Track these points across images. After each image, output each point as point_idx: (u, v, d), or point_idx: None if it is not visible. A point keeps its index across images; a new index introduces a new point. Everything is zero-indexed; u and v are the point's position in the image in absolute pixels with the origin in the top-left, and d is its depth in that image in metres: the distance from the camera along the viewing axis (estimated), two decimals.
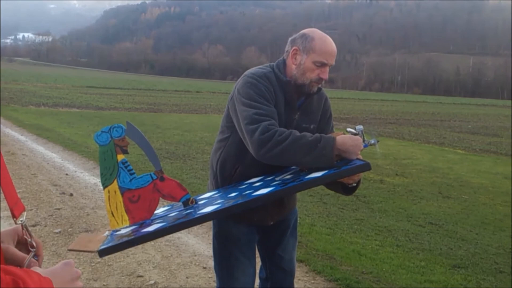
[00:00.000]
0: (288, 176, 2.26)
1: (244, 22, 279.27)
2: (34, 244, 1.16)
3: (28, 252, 1.16)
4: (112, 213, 2.05)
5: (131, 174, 2.04)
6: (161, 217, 2.08)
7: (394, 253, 5.19)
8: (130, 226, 2.04)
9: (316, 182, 2.12)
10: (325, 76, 2.42)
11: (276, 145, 2.17)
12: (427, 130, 22.59)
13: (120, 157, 2.02)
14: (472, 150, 15.92)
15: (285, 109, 2.45)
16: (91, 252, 1.81)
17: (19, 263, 1.14)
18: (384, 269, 4.69)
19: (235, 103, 2.41)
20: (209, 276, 4.36)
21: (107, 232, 2.02)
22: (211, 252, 4.66)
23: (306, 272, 4.57)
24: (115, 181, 2.03)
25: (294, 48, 2.45)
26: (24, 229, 1.15)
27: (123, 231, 1.98)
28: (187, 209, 2.08)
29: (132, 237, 1.86)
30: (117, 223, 2.05)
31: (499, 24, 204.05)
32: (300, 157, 2.17)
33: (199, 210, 2.02)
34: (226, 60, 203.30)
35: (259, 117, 2.25)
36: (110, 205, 2.04)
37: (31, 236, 1.16)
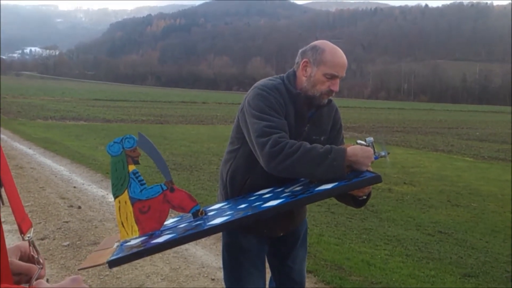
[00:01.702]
0: (298, 188, 2.25)
1: (249, 33, 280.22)
2: (41, 261, 1.15)
3: None
4: (122, 224, 2.05)
5: (141, 185, 2.04)
6: (171, 228, 2.08)
7: (403, 263, 5.16)
8: (139, 237, 2.03)
9: (326, 194, 2.11)
10: (336, 88, 2.41)
11: (286, 157, 2.17)
12: (434, 138, 22.51)
13: (131, 167, 2.02)
14: (480, 157, 15.85)
15: (295, 121, 2.45)
16: (101, 265, 1.81)
17: (25, 273, 1.13)
18: (393, 279, 4.66)
19: (245, 114, 2.40)
20: None
21: (116, 243, 2.02)
22: (219, 264, 4.64)
23: (315, 283, 4.55)
24: (126, 192, 2.03)
25: (304, 60, 2.45)
26: (31, 245, 1.14)
27: (132, 242, 1.97)
28: (196, 220, 2.07)
29: (142, 248, 1.85)
30: (127, 233, 2.05)
31: (505, 30, 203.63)
32: (311, 169, 2.16)
33: (208, 222, 2.02)
34: (232, 71, 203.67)
35: (270, 130, 2.25)
36: (120, 216, 2.05)
37: (38, 253, 1.16)
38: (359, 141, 2.28)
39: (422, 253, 5.51)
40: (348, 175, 2.17)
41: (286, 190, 2.26)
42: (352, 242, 5.80)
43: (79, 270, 1.92)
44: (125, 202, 2.04)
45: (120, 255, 1.82)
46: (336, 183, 2.11)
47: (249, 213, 2.01)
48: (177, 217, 2.32)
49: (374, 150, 2.24)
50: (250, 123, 2.34)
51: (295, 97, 2.44)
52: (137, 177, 2.03)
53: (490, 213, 7.72)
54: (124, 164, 2.01)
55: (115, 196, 2.04)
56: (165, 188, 2.06)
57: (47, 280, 1.13)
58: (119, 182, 2.03)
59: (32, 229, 1.12)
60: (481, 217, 7.41)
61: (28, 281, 1.10)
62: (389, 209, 7.60)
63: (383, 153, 2.27)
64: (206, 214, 2.14)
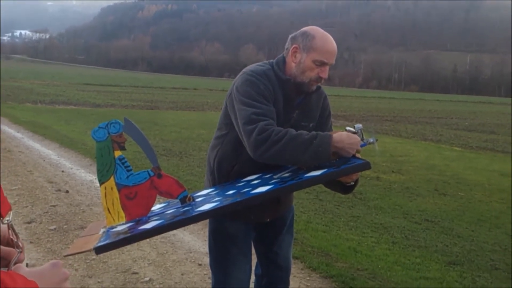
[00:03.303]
0: (287, 174, 2.24)
1: (241, 20, 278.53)
2: (20, 244, 1.14)
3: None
4: (108, 210, 2.04)
5: (128, 171, 2.03)
6: (158, 214, 2.07)
7: (389, 250, 5.20)
8: (126, 223, 2.03)
9: (315, 180, 2.12)
10: (325, 75, 2.41)
11: (272, 144, 2.17)
12: (424, 127, 22.61)
13: (117, 153, 2.01)
14: (468, 147, 15.95)
15: (283, 108, 2.44)
16: (88, 251, 1.80)
17: (4, 258, 1.12)
18: (379, 266, 4.70)
19: (233, 100, 2.39)
20: (204, 273, 4.36)
21: (102, 229, 2.01)
22: (206, 249, 4.64)
23: (302, 269, 4.57)
24: (112, 178, 2.02)
25: (294, 46, 2.43)
26: (10, 228, 1.13)
27: (119, 228, 1.96)
28: (184, 207, 2.07)
29: (129, 234, 1.85)
30: (114, 219, 2.04)
31: (497, 22, 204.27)
32: (296, 156, 2.17)
33: (196, 208, 2.01)
34: (224, 58, 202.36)
35: (257, 117, 2.24)
36: (106, 202, 2.04)
37: (17, 237, 1.15)
38: (348, 128, 2.29)
39: (409, 241, 5.55)
40: (337, 161, 2.17)
41: (275, 177, 2.26)
42: (340, 229, 5.83)
43: (65, 256, 1.90)
44: (111, 188, 2.03)
45: (107, 241, 1.81)
46: (325, 170, 2.12)
47: (238, 199, 2.00)
48: (164, 202, 2.31)
49: (362, 136, 2.25)
50: (238, 110, 2.33)
51: (284, 83, 2.43)
52: (123, 163, 2.02)
53: (476, 203, 7.78)
54: (109, 149, 2.00)
55: (101, 182, 2.03)
56: (152, 174, 2.06)
57: (27, 265, 1.12)
58: (104, 168, 2.02)
59: (11, 212, 1.11)
60: (468, 206, 7.47)
61: (7, 265, 1.10)
62: (377, 197, 7.64)
63: (371, 140, 2.28)
64: (193, 200, 2.14)
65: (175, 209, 2.08)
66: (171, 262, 4.59)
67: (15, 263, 1.11)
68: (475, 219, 6.72)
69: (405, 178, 9.51)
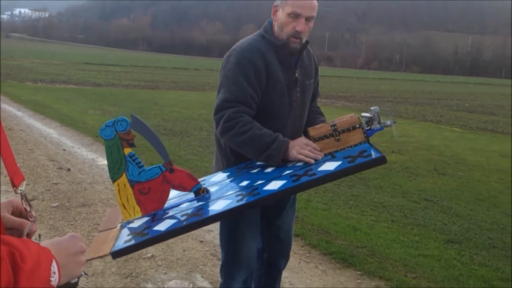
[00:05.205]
0: (300, 164, 2.25)
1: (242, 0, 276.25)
2: (33, 214, 1.16)
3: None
4: (123, 206, 2.05)
5: (139, 167, 2.04)
6: (173, 207, 2.09)
7: (389, 228, 5.25)
8: (142, 217, 2.05)
9: (330, 177, 2.11)
10: (300, 27, 2.36)
11: (236, 135, 2.30)
12: (424, 108, 22.58)
13: (127, 150, 2.01)
14: (468, 128, 15.98)
15: (282, 72, 2.45)
16: (105, 256, 1.82)
17: (17, 228, 1.14)
18: (378, 244, 4.75)
19: (220, 73, 2.51)
20: (206, 249, 4.41)
21: (119, 224, 2.04)
22: (208, 227, 4.70)
23: (302, 246, 4.63)
24: (124, 175, 2.03)
25: (274, 5, 2.45)
26: (23, 198, 1.15)
27: (136, 224, 1.99)
28: (199, 200, 2.09)
29: (144, 238, 1.86)
30: (130, 214, 2.06)
31: (499, 3, 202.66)
32: (251, 154, 2.34)
33: (211, 205, 2.03)
34: (225, 38, 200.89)
35: (227, 104, 2.36)
36: (121, 198, 2.05)
37: (30, 206, 1.16)
38: (363, 114, 2.29)
39: (407, 220, 5.61)
40: (352, 150, 2.19)
41: (289, 165, 2.28)
42: (339, 208, 5.88)
43: (87, 260, 1.90)
44: (124, 185, 2.04)
45: (123, 245, 1.83)
46: (339, 163, 2.12)
47: (251, 199, 2.02)
48: None
49: (379, 119, 2.25)
50: (219, 86, 2.46)
51: (279, 48, 2.44)
52: (134, 160, 2.03)
53: (475, 182, 7.83)
54: (119, 147, 2.00)
55: (113, 179, 2.04)
56: (164, 169, 2.07)
57: (39, 236, 1.15)
58: (115, 165, 2.02)
59: (24, 182, 1.13)
60: (467, 186, 7.52)
61: (20, 235, 1.12)
62: (377, 176, 7.67)
63: (388, 123, 2.27)
64: (207, 192, 2.15)
65: (189, 202, 2.10)
66: (173, 239, 4.63)
67: (28, 233, 1.13)
68: (473, 199, 6.77)
69: (405, 158, 9.54)
